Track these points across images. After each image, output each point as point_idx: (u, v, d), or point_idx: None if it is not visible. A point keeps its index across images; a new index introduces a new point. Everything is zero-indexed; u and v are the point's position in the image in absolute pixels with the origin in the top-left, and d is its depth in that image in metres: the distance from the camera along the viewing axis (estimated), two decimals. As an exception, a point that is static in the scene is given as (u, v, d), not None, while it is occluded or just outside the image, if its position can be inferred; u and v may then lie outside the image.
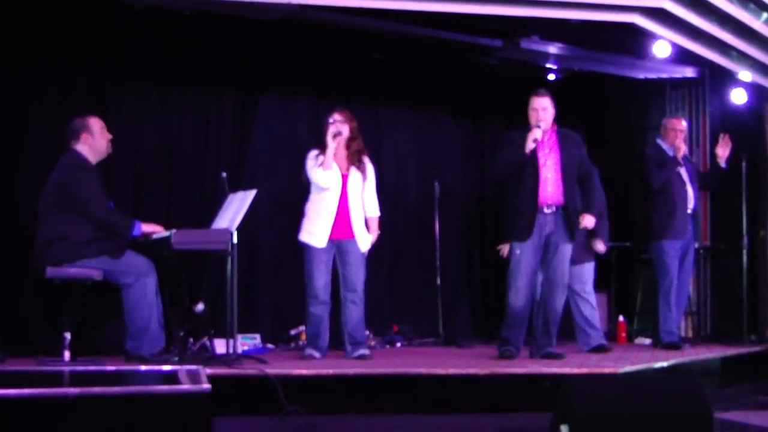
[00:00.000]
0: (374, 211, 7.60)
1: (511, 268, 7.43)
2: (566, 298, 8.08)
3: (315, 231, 7.34)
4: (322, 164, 7.31)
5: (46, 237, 6.74)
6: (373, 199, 7.59)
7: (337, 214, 7.35)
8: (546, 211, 7.32)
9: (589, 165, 7.72)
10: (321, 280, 7.34)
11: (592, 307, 8.30)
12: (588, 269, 8.36)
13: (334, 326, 7.54)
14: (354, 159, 7.44)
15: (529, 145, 7.23)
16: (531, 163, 7.31)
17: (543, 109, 7.41)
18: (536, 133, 7.25)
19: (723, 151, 8.78)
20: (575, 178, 7.46)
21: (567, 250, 7.43)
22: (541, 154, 7.34)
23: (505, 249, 8.33)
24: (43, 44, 7.89)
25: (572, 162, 7.44)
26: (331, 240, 7.34)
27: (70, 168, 6.83)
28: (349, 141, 7.44)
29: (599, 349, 8.09)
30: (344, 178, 7.39)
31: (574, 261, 8.09)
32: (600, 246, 8.38)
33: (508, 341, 7.44)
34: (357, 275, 7.43)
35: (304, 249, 7.41)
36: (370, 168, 7.56)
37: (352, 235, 7.39)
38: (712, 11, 8.54)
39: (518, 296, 7.38)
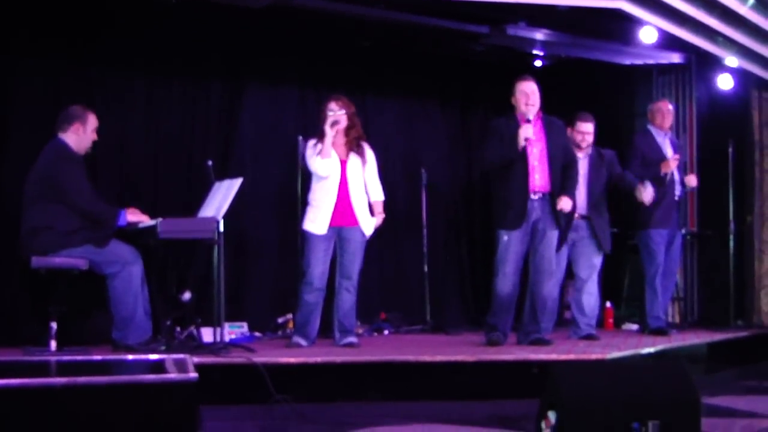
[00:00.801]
0: (378, 195, 7.59)
1: (499, 255, 7.43)
2: (568, 285, 8.15)
3: (316, 218, 7.33)
4: (320, 153, 7.29)
5: (31, 227, 6.72)
6: (375, 183, 7.59)
7: (337, 201, 7.33)
8: (533, 197, 7.33)
9: (572, 152, 7.75)
10: (318, 267, 7.32)
11: (590, 295, 8.29)
12: (599, 256, 8.34)
13: (323, 314, 7.52)
14: (353, 146, 7.44)
15: (521, 143, 7.24)
16: (520, 154, 7.31)
17: (532, 92, 7.44)
18: (527, 131, 7.25)
19: (690, 182, 8.88)
20: (560, 165, 7.47)
21: (553, 236, 7.44)
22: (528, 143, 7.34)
23: None
24: (29, 33, 7.84)
25: (557, 149, 7.47)
26: (332, 227, 7.33)
27: (54, 158, 6.80)
28: (348, 128, 7.42)
29: (586, 339, 8.09)
30: (343, 164, 7.38)
31: (601, 249, 8.14)
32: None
33: (495, 327, 7.45)
34: (353, 263, 7.42)
35: (305, 236, 7.41)
36: (369, 153, 7.55)
37: (354, 222, 7.38)
38: (699, -3, 8.55)
39: (506, 283, 7.40)
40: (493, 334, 7.42)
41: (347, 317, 7.45)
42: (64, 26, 7.97)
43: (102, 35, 8.13)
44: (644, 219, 8.61)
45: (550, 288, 7.57)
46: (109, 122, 7.64)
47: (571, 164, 7.61)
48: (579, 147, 8.18)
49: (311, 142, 7.43)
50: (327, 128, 7.27)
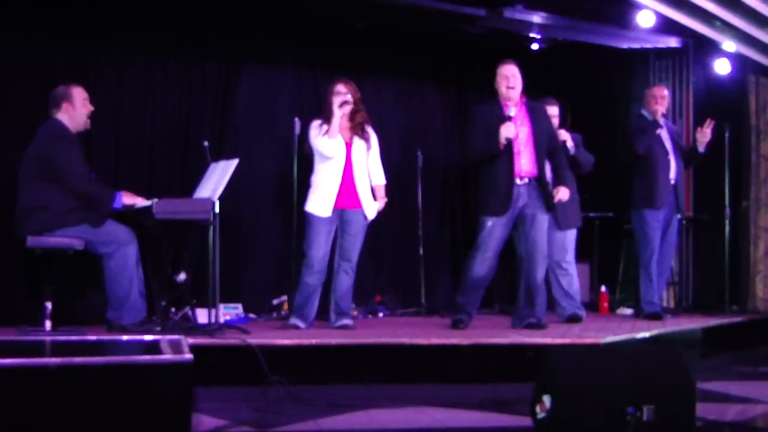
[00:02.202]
0: (380, 179, 7.59)
1: (481, 239, 7.45)
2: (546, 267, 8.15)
3: (320, 200, 7.32)
4: (326, 133, 7.29)
5: (26, 206, 6.70)
6: (378, 167, 7.59)
7: (341, 184, 7.33)
8: (518, 182, 7.35)
9: (557, 136, 7.76)
10: (320, 250, 7.30)
11: (570, 276, 8.31)
12: (570, 238, 8.34)
13: (321, 295, 7.53)
14: (357, 130, 7.43)
15: (502, 141, 7.24)
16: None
17: (513, 75, 7.45)
18: (509, 131, 7.25)
19: (703, 137, 8.67)
20: (545, 149, 7.48)
21: (544, 220, 7.45)
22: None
23: None
24: (24, 10, 7.81)
25: (542, 134, 7.48)
26: (335, 209, 7.32)
27: (50, 137, 6.78)
28: (353, 113, 7.41)
29: (573, 319, 8.11)
30: (348, 147, 7.38)
31: (557, 227, 8.11)
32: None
33: (462, 308, 7.51)
34: (354, 245, 7.43)
35: (307, 218, 7.38)
36: (373, 137, 7.55)
37: (357, 205, 7.38)
38: (696, -19, 8.52)
39: (483, 266, 7.45)
40: (459, 316, 7.49)
41: (344, 299, 7.46)
42: (59, 4, 7.93)
43: (98, 13, 8.10)
44: (638, 200, 8.61)
45: (544, 272, 7.59)
46: (104, 101, 7.64)
47: (557, 151, 7.65)
48: None
49: (316, 123, 7.42)
50: (336, 108, 7.27)
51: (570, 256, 8.36)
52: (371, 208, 7.44)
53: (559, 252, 8.27)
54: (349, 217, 7.38)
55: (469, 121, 7.73)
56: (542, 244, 7.47)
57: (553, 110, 8.26)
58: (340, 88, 7.39)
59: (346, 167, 7.35)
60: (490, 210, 7.38)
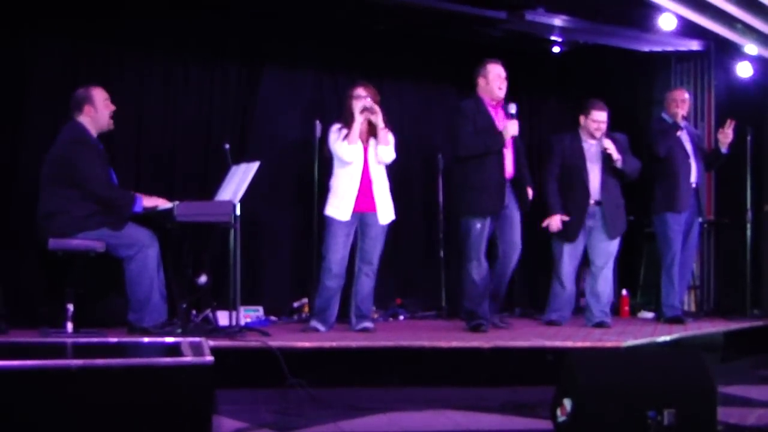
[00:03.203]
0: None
1: (472, 243, 7.55)
2: (585, 272, 8.20)
3: (340, 204, 7.33)
4: (346, 137, 7.29)
5: (47, 210, 6.74)
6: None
7: (360, 187, 7.35)
8: None
9: (521, 141, 7.84)
10: (339, 253, 7.32)
11: (606, 281, 8.26)
12: (614, 244, 8.27)
13: (342, 298, 7.54)
14: (374, 132, 7.42)
15: (507, 138, 7.41)
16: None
17: (505, 77, 7.63)
18: (514, 129, 7.43)
19: (724, 137, 8.65)
20: (520, 150, 7.68)
21: (518, 219, 7.66)
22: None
23: (553, 223, 8.21)
24: (46, 13, 7.83)
25: (518, 136, 7.64)
26: (354, 213, 7.33)
27: (69, 141, 6.81)
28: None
29: (600, 325, 8.06)
30: (365, 150, 7.39)
31: (608, 236, 8.08)
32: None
33: (476, 314, 7.56)
34: (375, 248, 7.45)
35: (327, 222, 7.40)
36: (391, 138, 7.51)
37: (374, 208, 7.39)
38: (718, -17, 8.49)
39: (481, 269, 7.59)
40: (477, 321, 7.52)
41: (365, 302, 7.47)
42: (81, 7, 7.96)
43: (120, 16, 8.12)
44: (660, 203, 8.59)
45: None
46: (126, 104, 7.65)
47: (523, 152, 7.84)
48: (592, 136, 8.16)
49: (335, 127, 7.43)
50: (357, 113, 7.27)
51: (611, 261, 8.31)
52: (386, 213, 7.46)
53: (602, 257, 8.23)
54: (368, 221, 7.39)
55: (458, 115, 7.64)
56: (518, 243, 7.70)
57: (602, 115, 8.19)
58: (360, 91, 7.39)
59: (364, 171, 7.36)
60: (483, 211, 7.49)
